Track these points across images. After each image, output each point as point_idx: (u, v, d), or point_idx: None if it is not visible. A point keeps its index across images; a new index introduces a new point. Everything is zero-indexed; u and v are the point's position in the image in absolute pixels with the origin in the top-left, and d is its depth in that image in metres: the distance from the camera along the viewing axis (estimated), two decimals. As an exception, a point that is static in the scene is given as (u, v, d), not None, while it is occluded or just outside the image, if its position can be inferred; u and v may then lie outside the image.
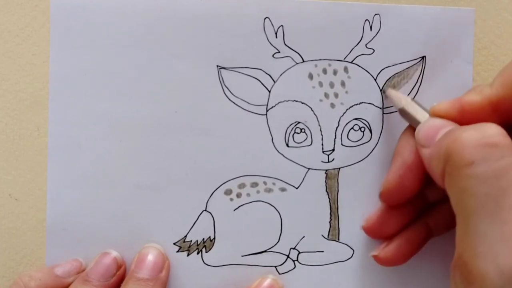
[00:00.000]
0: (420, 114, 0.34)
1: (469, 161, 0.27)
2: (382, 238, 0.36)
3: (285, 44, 0.36)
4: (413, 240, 0.35)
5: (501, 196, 0.26)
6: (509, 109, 0.31)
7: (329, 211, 0.37)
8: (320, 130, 0.36)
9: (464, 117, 0.31)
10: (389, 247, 0.35)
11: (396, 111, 0.36)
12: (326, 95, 0.36)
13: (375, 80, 0.36)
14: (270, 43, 0.36)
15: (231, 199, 0.37)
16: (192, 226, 0.36)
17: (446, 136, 0.30)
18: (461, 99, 0.32)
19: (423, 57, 0.37)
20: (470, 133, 0.28)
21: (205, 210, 0.37)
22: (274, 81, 0.36)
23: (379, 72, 0.36)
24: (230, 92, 0.36)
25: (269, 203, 0.37)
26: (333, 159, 0.37)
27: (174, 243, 0.36)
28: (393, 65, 0.36)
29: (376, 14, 0.36)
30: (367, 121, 0.37)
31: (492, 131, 0.28)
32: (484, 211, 0.26)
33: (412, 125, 0.34)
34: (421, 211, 0.35)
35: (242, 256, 0.37)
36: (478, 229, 0.26)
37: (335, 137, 0.36)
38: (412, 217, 0.35)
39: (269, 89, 0.36)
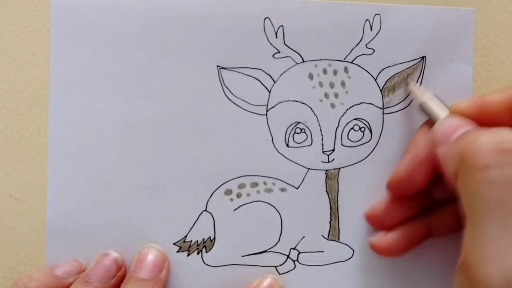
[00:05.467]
0: (440, 110, 0.34)
1: (483, 165, 0.27)
2: (382, 228, 0.36)
3: (285, 44, 0.36)
4: (411, 234, 0.35)
5: None
6: None
7: (329, 211, 0.37)
8: (320, 130, 0.36)
9: (484, 116, 0.31)
10: (386, 236, 0.35)
11: (396, 111, 0.36)
12: (326, 95, 0.36)
13: (375, 80, 0.36)
14: (270, 43, 0.36)
15: (231, 199, 0.37)
16: (192, 226, 0.36)
17: (462, 137, 0.30)
18: (483, 96, 0.32)
19: (423, 57, 0.37)
20: (486, 137, 0.28)
21: (205, 210, 0.37)
22: (274, 81, 0.36)
23: (379, 72, 0.36)
24: (230, 92, 0.36)
25: (269, 203, 0.37)
26: (333, 159, 0.37)
27: (174, 243, 0.36)
28: (393, 65, 0.36)
29: (376, 14, 0.36)
30: (367, 121, 0.37)
31: (509, 136, 0.27)
32: (494, 215, 0.26)
33: (431, 120, 0.34)
34: (425, 209, 0.35)
35: (242, 256, 0.37)
36: (486, 233, 0.26)
37: (335, 137, 0.36)
38: (416, 212, 0.35)
39: (269, 89, 0.36)
